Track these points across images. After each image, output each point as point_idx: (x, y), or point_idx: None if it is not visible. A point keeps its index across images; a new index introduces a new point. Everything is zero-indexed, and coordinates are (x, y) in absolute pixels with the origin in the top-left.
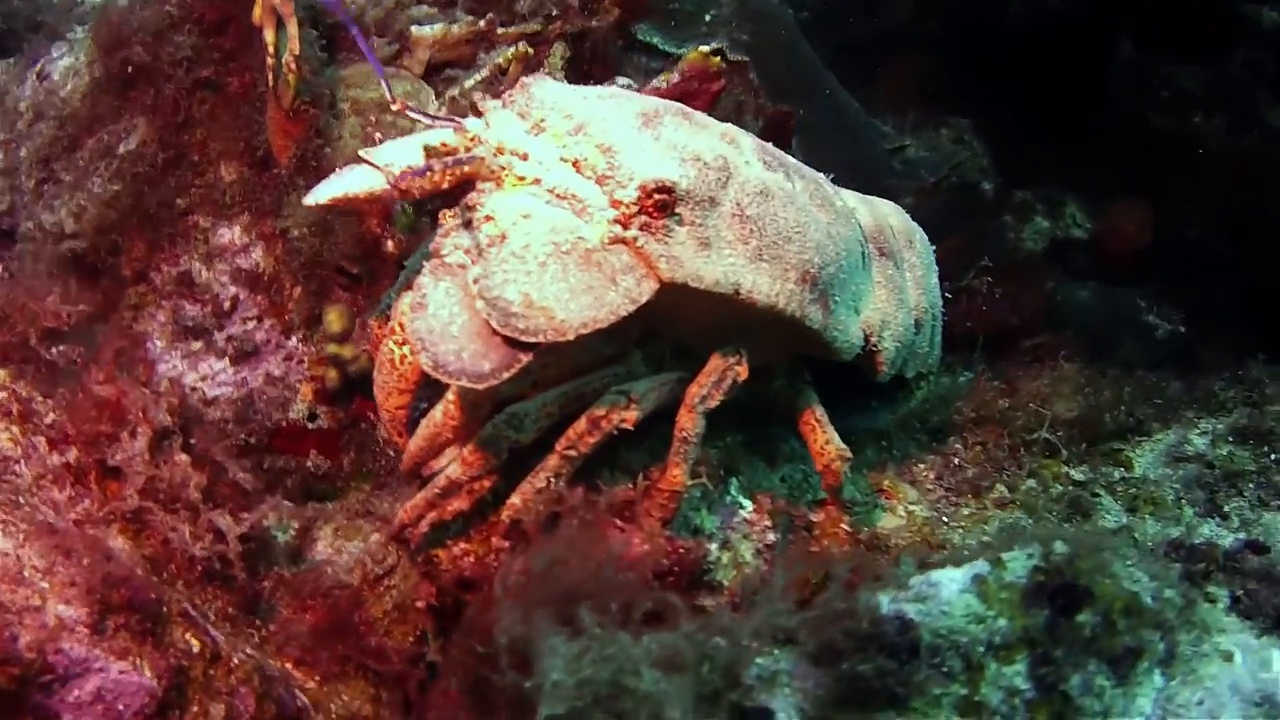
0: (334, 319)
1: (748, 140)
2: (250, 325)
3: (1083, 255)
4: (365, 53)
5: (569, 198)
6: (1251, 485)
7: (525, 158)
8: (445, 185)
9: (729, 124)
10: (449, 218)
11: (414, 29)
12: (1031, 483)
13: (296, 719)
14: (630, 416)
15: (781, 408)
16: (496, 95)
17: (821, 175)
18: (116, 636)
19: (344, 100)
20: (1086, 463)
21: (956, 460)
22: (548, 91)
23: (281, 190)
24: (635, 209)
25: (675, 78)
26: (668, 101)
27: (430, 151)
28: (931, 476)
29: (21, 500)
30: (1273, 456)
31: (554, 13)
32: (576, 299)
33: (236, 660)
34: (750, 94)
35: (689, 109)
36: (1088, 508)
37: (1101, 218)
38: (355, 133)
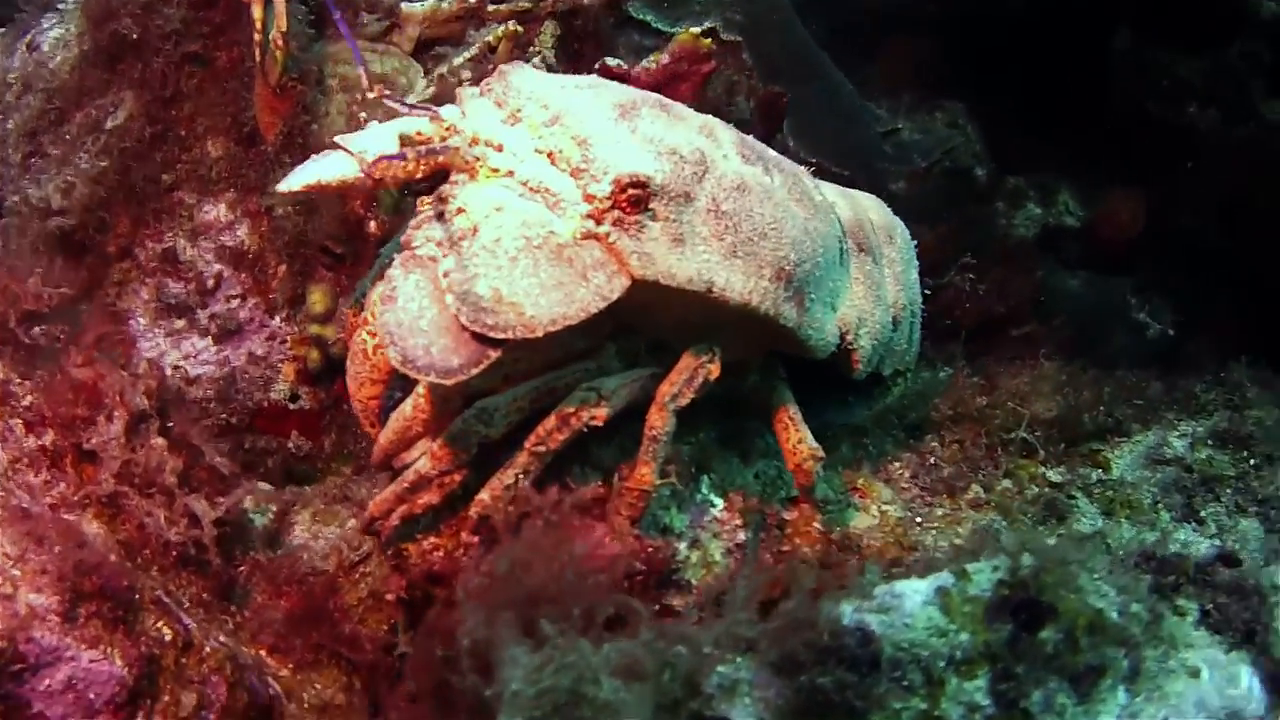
0: (317, 299)
1: (726, 133)
2: (234, 304)
3: (1074, 243)
4: (345, 36)
5: (542, 191)
6: (1229, 491)
7: (500, 149)
8: (420, 175)
9: (708, 116)
10: (425, 205)
11: (404, 5)
12: (1007, 483)
13: (268, 708)
14: (600, 414)
15: (756, 404)
16: (486, 74)
17: (802, 168)
18: (88, 625)
19: (332, 77)
20: (1064, 463)
21: (933, 459)
22: (525, 80)
23: (268, 167)
24: (609, 204)
25: (665, 59)
26: (646, 93)
27: (405, 140)
28: (907, 475)
29: None
30: (1251, 462)
31: None
32: (547, 295)
33: (209, 648)
34: (743, 74)
35: (668, 100)
36: (1063, 510)
37: (1094, 206)
38: (343, 110)
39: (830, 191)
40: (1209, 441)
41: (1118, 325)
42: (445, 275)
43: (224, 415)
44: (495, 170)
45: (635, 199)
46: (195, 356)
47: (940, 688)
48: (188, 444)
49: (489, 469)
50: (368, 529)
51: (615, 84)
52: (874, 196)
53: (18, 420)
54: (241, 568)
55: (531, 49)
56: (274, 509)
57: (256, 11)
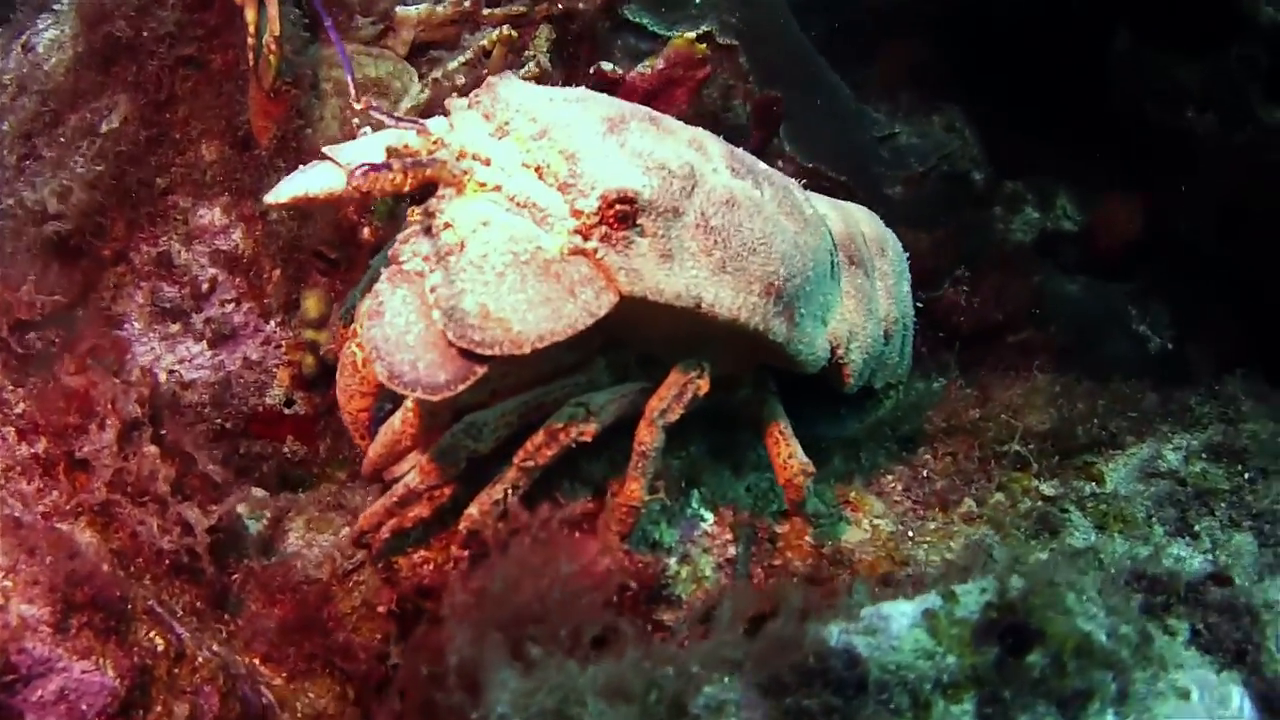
0: (311, 304)
1: (717, 146)
2: (229, 308)
3: (1072, 248)
4: (335, 43)
5: (530, 206)
6: (1223, 505)
7: (487, 163)
8: (408, 188)
9: (698, 128)
10: (415, 215)
11: (399, 9)
12: (1000, 496)
13: (262, 717)
14: (589, 430)
15: (747, 417)
16: (480, 78)
17: (793, 181)
18: (80, 635)
19: (326, 81)
20: (1057, 476)
21: (925, 471)
22: (514, 93)
23: (262, 171)
24: (596, 219)
25: (660, 64)
26: (636, 106)
27: (392, 152)
28: (899, 488)
29: None
30: (1246, 476)
31: None
32: (534, 311)
33: (201, 658)
34: (739, 79)
35: (657, 113)
36: (1056, 525)
37: (1093, 210)
38: (336, 114)
39: (822, 204)
40: (1203, 455)
41: (1116, 331)
42: (432, 290)
43: (219, 420)
44: (482, 184)
45: (623, 215)
46: (190, 361)
47: (927, 711)
48: (181, 451)
49: (479, 482)
50: (358, 542)
51: (605, 97)
52: (866, 209)
53: (10, 428)
54: (235, 575)
55: (526, 53)
56: (268, 515)
57: (250, 15)
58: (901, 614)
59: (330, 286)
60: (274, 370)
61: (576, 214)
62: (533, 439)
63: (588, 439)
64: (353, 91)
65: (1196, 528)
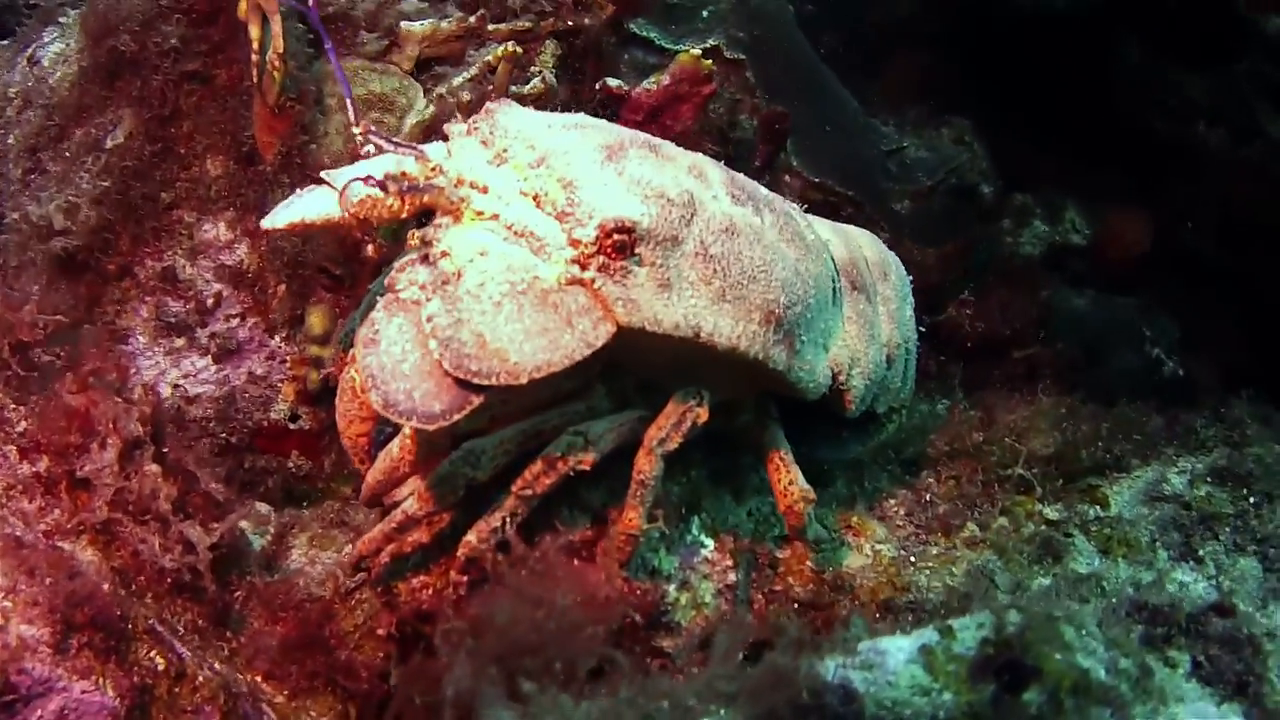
0: (316, 320)
1: (716, 172)
2: (233, 323)
3: (1080, 261)
4: (334, 67)
5: (527, 235)
6: (1228, 529)
7: (485, 190)
8: (405, 214)
9: (698, 155)
10: (414, 239)
11: (404, 24)
12: (1004, 521)
13: None
14: (587, 459)
15: (748, 443)
16: (485, 94)
17: (794, 206)
18: (79, 655)
19: (330, 96)
20: (1061, 500)
21: (928, 495)
22: (512, 119)
23: (267, 187)
24: (594, 249)
25: (666, 80)
26: (635, 132)
27: (389, 179)
28: (902, 512)
29: None
30: (1251, 500)
31: (546, 9)
32: (531, 341)
33: (202, 677)
34: (746, 93)
35: (657, 140)
36: (1059, 550)
37: (1101, 223)
38: (341, 129)
39: (823, 229)
40: (1208, 479)
41: (1123, 345)
42: (429, 320)
43: (223, 435)
44: (480, 213)
45: (620, 245)
46: (195, 375)
47: None
48: (183, 470)
49: (478, 508)
50: (356, 566)
51: (604, 123)
52: (869, 232)
53: (11, 447)
54: (238, 592)
55: (532, 69)
56: (272, 531)
57: (254, 31)
58: (898, 649)
59: (335, 302)
60: (279, 385)
61: (574, 243)
62: (531, 468)
63: (586, 468)
64: (352, 115)
65: (1201, 552)
